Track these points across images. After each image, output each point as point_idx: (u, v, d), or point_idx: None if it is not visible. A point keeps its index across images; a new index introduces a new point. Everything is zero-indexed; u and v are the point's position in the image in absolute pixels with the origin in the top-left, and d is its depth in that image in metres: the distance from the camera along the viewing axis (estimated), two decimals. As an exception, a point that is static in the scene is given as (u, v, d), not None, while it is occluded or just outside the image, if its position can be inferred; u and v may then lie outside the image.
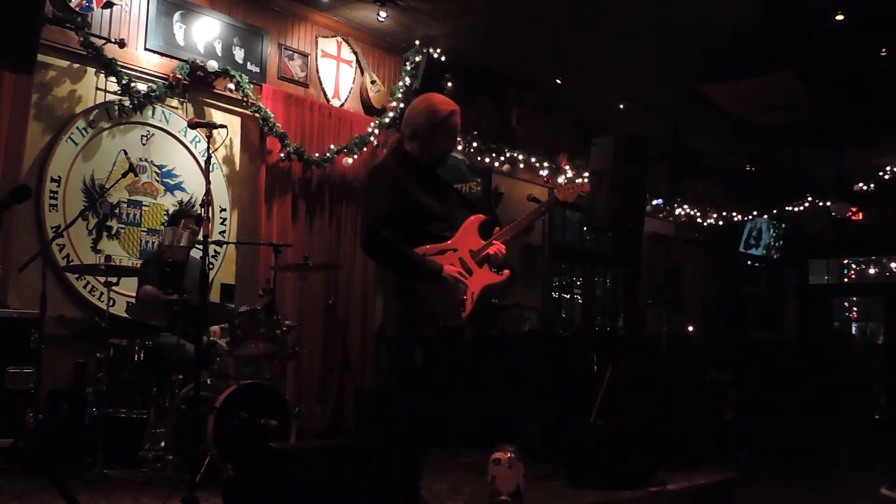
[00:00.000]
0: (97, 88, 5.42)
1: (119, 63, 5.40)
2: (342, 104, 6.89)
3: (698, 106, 8.43)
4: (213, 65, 5.87)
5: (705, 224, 11.54)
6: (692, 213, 11.24)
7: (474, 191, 7.18)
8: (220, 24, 6.05)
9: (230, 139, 6.14)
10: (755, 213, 11.99)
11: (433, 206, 3.58)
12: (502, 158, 8.25)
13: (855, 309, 13.93)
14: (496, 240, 3.66)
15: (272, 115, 6.14)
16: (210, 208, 5.78)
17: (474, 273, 3.56)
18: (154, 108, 5.69)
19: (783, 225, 12.37)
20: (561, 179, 9.02)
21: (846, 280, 13.71)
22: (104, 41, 5.35)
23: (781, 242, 12.50)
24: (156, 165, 5.71)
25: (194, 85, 5.87)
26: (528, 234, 5.22)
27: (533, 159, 8.61)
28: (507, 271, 3.71)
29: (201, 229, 3.66)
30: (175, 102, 5.82)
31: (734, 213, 11.83)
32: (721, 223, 11.73)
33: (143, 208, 5.63)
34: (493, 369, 6.33)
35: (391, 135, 7.11)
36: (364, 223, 3.54)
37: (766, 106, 8.23)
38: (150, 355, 4.56)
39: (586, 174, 8.07)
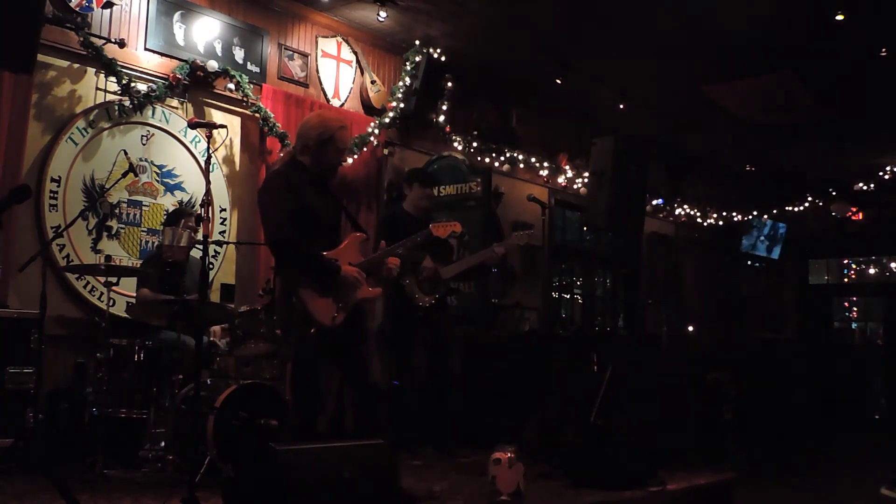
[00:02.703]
0: (97, 88, 5.42)
1: (119, 63, 5.40)
2: (342, 104, 6.89)
3: (698, 106, 8.44)
4: (213, 65, 5.87)
5: (705, 224, 11.54)
6: (692, 213, 11.24)
7: (474, 191, 7.17)
8: (220, 24, 6.05)
9: (230, 139, 6.14)
10: (755, 212, 12.00)
11: (323, 213, 3.88)
12: (502, 158, 8.25)
13: (855, 309, 13.93)
14: (390, 255, 3.99)
15: (272, 115, 6.14)
16: (210, 208, 5.77)
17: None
18: (154, 108, 5.69)
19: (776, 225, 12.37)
20: (561, 179, 9.03)
21: (846, 280, 13.71)
22: (104, 41, 5.34)
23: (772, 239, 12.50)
24: (156, 165, 5.71)
25: (194, 85, 5.87)
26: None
27: (533, 159, 8.61)
28: (379, 289, 4.03)
29: (201, 229, 3.66)
30: (175, 102, 5.82)
31: (734, 213, 11.83)
32: (721, 223, 11.73)
33: (143, 208, 5.63)
34: (493, 369, 6.33)
35: (391, 135, 7.13)
36: (270, 223, 3.86)
37: (766, 106, 8.23)
38: (150, 355, 4.55)
39: (586, 174, 8.08)
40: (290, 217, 3.73)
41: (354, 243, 3.95)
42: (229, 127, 5.62)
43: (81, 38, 5.22)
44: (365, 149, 6.74)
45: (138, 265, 5.29)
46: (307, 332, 3.70)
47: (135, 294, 5.06)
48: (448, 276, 5.35)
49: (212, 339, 4.97)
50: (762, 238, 12.27)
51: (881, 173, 10.58)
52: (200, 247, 3.56)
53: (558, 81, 7.90)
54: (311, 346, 3.73)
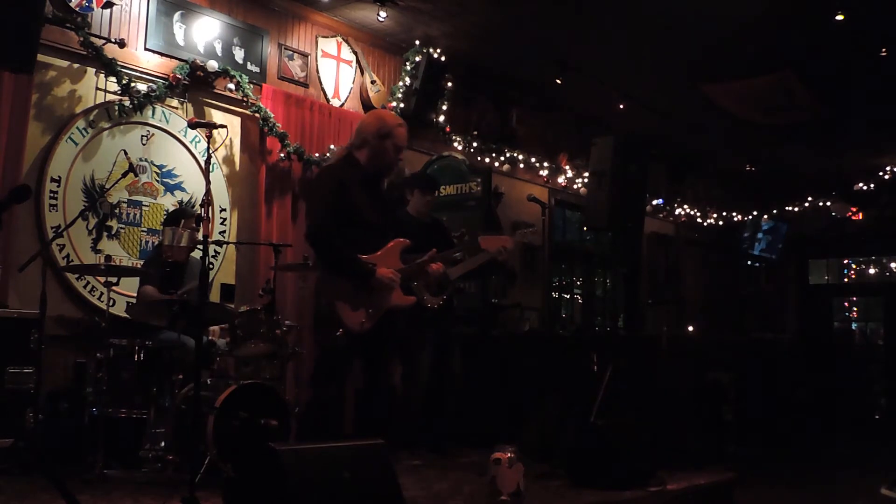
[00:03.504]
0: (97, 88, 5.41)
1: (119, 63, 5.40)
2: (342, 104, 6.89)
3: (698, 106, 8.44)
4: (213, 65, 5.87)
5: (705, 224, 11.54)
6: (692, 213, 11.24)
7: (474, 191, 7.17)
8: (220, 24, 6.05)
9: (230, 139, 6.14)
10: (755, 212, 12.00)
11: (370, 215, 3.86)
12: (502, 158, 8.25)
13: (855, 309, 13.93)
14: (435, 261, 3.96)
15: (272, 115, 6.14)
16: (210, 208, 5.77)
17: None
18: (154, 108, 5.69)
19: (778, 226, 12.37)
20: (561, 179, 9.03)
21: (846, 280, 13.71)
22: (104, 41, 5.35)
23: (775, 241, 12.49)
24: (156, 165, 5.71)
25: (194, 85, 5.87)
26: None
27: (533, 159, 8.61)
28: (413, 297, 4.00)
29: (201, 229, 3.66)
30: (175, 102, 5.82)
31: (734, 213, 11.84)
32: (721, 223, 11.73)
33: (143, 208, 5.63)
34: (493, 369, 6.32)
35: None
36: (311, 218, 3.89)
37: (766, 106, 8.23)
38: (150, 355, 4.55)
39: (586, 174, 8.08)
40: (334, 215, 3.71)
41: (396, 249, 3.91)
42: (229, 127, 5.63)
43: (81, 38, 5.22)
44: (365, 149, 6.73)
45: (138, 265, 5.29)
46: (334, 333, 3.69)
47: (136, 293, 5.06)
48: (455, 277, 5.36)
49: (210, 338, 4.96)
50: (760, 236, 12.27)
51: (881, 173, 10.59)
52: (200, 247, 3.56)
53: (558, 81, 7.90)
54: (336, 347, 3.73)
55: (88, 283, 5.27)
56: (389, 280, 3.75)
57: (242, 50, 6.18)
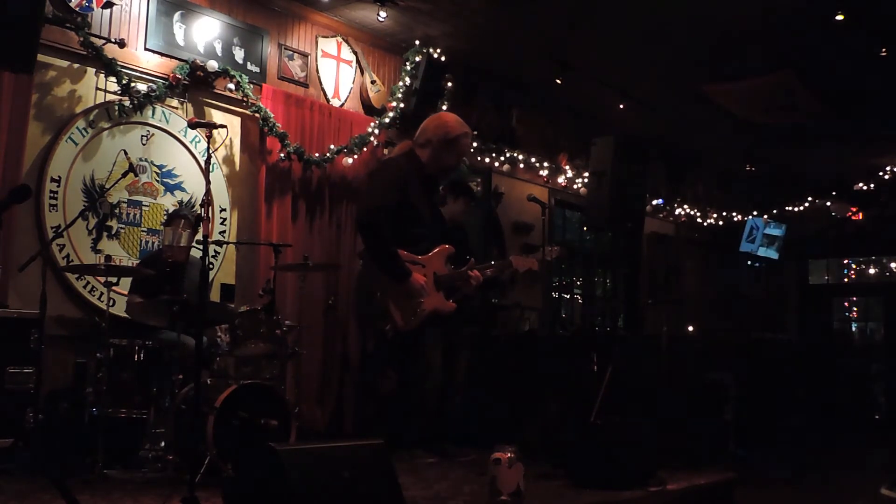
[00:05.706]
0: (97, 88, 5.42)
1: (119, 63, 5.40)
2: (342, 104, 6.89)
3: (698, 106, 8.44)
4: (213, 65, 5.87)
5: (705, 224, 11.54)
6: (692, 213, 11.24)
7: (474, 191, 7.17)
8: (220, 24, 6.06)
9: (230, 139, 6.14)
10: (755, 213, 12.00)
11: (425, 213, 3.95)
12: (502, 158, 8.25)
13: (855, 309, 13.93)
14: (473, 271, 4.08)
15: (272, 115, 6.14)
16: (210, 208, 5.77)
17: (430, 295, 3.97)
18: (154, 108, 5.69)
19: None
20: (561, 179, 9.03)
21: (846, 280, 13.71)
22: (104, 41, 5.35)
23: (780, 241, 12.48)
24: (156, 165, 5.71)
25: (194, 85, 5.87)
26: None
27: (533, 159, 8.61)
28: (454, 304, 4.11)
29: (201, 229, 3.66)
30: (175, 102, 5.82)
31: (734, 213, 11.83)
32: (721, 223, 11.73)
33: (143, 208, 5.63)
34: (493, 369, 6.32)
35: (391, 135, 7.13)
36: (365, 204, 3.98)
37: (766, 106, 8.23)
38: (150, 355, 4.55)
39: (586, 174, 8.08)
40: (388, 206, 3.76)
41: (443, 254, 3.99)
42: (229, 127, 5.63)
43: (81, 38, 5.22)
44: (365, 149, 6.74)
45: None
46: (383, 328, 3.74)
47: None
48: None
49: (218, 336, 4.95)
50: (759, 232, 12.23)
51: (881, 173, 10.59)
52: (200, 247, 3.56)
53: (558, 81, 7.90)
54: (383, 342, 3.81)
55: (88, 283, 5.27)
56: (419, 289, 3.82)
57: (242, 50, 6.18)
